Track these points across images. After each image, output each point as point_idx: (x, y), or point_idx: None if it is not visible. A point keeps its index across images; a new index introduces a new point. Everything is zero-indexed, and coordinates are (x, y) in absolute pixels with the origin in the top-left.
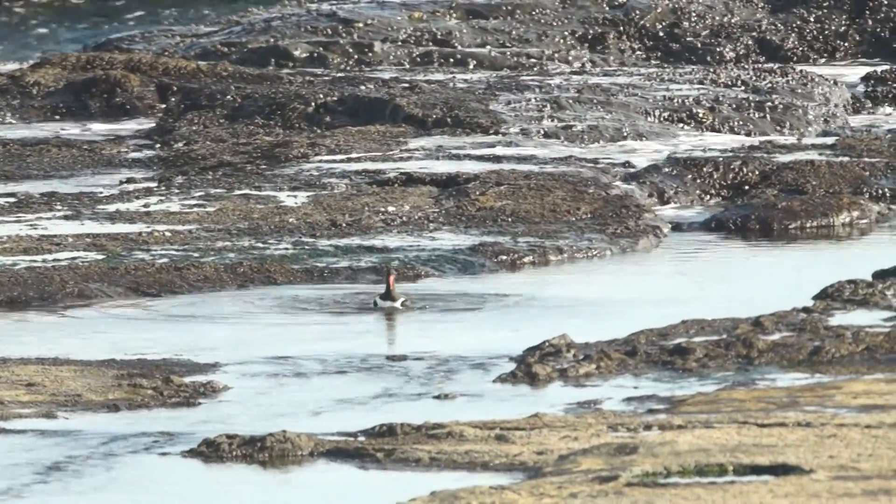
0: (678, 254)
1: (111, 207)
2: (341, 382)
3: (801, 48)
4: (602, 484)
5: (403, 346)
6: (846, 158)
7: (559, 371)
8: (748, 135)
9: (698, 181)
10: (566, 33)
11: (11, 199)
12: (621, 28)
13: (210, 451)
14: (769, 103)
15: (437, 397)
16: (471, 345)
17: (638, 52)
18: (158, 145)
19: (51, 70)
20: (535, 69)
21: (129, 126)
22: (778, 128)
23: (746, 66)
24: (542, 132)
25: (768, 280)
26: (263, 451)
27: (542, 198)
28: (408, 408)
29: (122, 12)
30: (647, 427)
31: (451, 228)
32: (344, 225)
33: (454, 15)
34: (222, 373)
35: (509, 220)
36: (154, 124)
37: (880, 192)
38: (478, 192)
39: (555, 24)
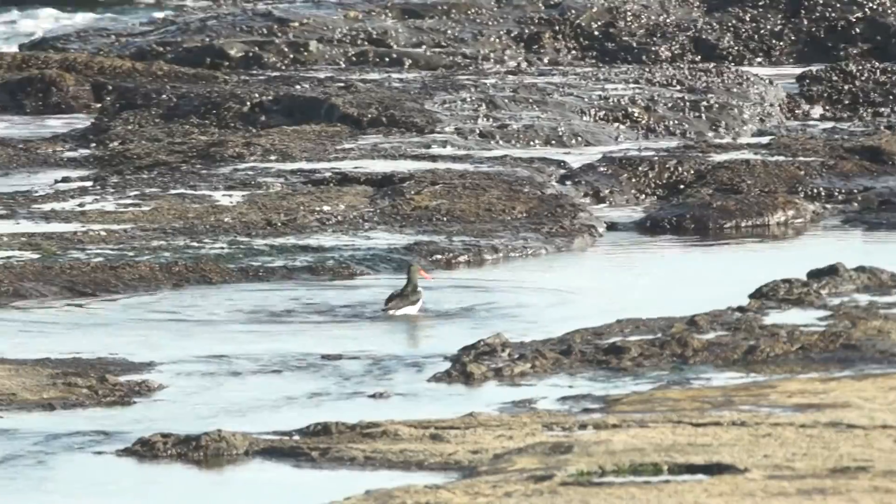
0: (613, 253)
1: (46, 206)
2: (276, 382)
3: (736, 47)
4: (537, 483)
5: (338, 345)
6: (781, 158)
7: (494, 370)
8: (683, 135)
9: (633, 180)
10: (502, 33)
11: None
12: (557, 27)
13: (145, 449)
14: (704, 103)
15: (372, 396)
16: (405, 344)
17: (573, 52)
18: (94, 144)
19: None
20: (471, 69)
21: (64, 125)
22: (713, 127)
23: (682, 66)
24: (477, 131)
25: (703, 279)
26: (198, 449)
27: (478, 197)
28: (343, 407)
29: None
30: (582, 426)
31: (387, 228)
32: (279, 224)
33: (390, 14)
34: (157, 372)
35: (444, 219)
36: (89, 123)
37: (815, 191)
38: (413, 192)
39: (490, 23)
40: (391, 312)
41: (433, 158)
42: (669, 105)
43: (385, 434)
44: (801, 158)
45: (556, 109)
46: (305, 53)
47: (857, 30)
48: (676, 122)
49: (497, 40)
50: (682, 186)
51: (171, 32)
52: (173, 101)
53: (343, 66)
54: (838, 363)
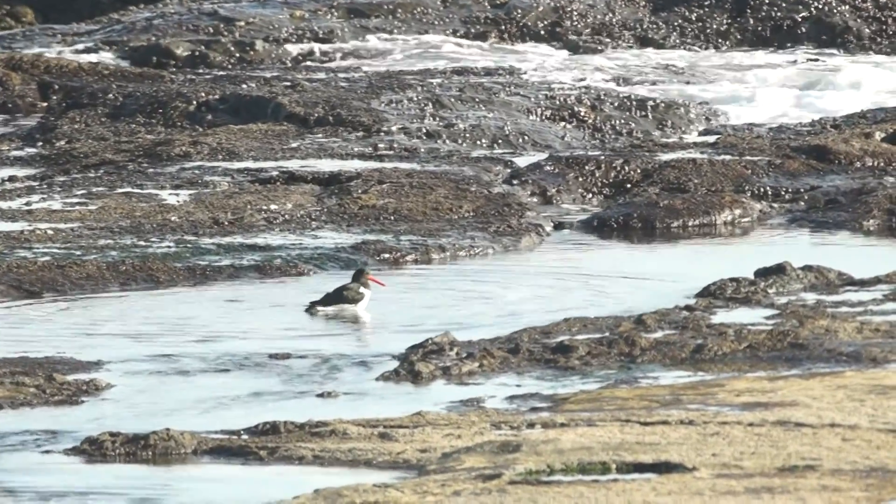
0: (560, 252)
1: None
2: (224, 381)
3: (682, 47)
4: (485, 482)
5: (286, 344)
6: (728, 157)
7: (442, 369)
8: (630, 134)
9: (580, 179)
10: (448, 32)
11: None
12: (503, 27)
13: (93, 449)
14: (651, 102)
15: (321, 395)
16: (353, 342)
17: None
18: (40, 143)
19: None
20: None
21: (10, 124)
22: (660, 126)
23: (628, 65)
24: (423, 131)
25: (651, 278)
26: (147, 448)
27: (425, 196)
28: (291, 406)
29: None
30: (530, 425)
31: (334, 227)
32: (226, 223)
33: (335, 14)
34: (105, 371)
35: (392, 218)
36: (36, 122)
37: (762, 190)
38: (360, 191)
39: (436, 23)
40: (318, 310)
41: (380, 157)
42: (616, 104)
43: (334, 433)
44: (748, 157)
45: (502, 109)
46: (252, 52)
47: (804, 29)
48: (623, 121)
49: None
50: (629, 185)
51: (117, 31)
52: (119, 100)
53: (289, 65)
54: (786, 362)
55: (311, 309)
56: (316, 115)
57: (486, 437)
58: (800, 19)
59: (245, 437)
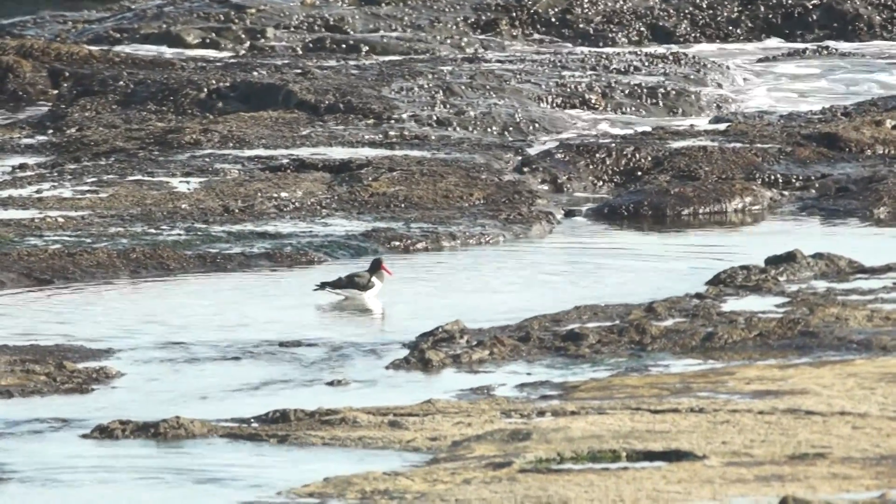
0: (571, 240)
1: (3, 193)
2: (235, 369)
3: (693, 34)
4: (495, 470)
5: (296, 332)
6: (739, 144)
7: (452, 357)
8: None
9: (591, 167)
10: (459, 20)
11: None
12: (513, 14)
13: (103, 436)
14: (661, 89)
15: (331, 383)
16: (364, 331)
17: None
18: (51, 131)
19: None
20: (428, 55)
21: (21, 112)
22: (671, 113)
23: (638, 52)
24: (434, 118)
25: (661, 266)
26: (157, 436)
27: (435, 184)
28: (301, 394)
29: None
30: (541, 413)
31: (344, 214)
32: (237, 211)
33: (346, 1)
34: (115, 359)
35: (402, 205)
36: (46, 110)
37: (773, 177)
38: (371, 178)
39: (447, 10)
40: (327, 290)
41: (391, 145)
42: (626, 92)
43: (344, 421)
44: (759, 145)
45: (513, 96)
46: (262, 40)
47: (814, 17)
48: (634, 108)
49: (454, 27)
50: (639, 173)
51: (128, 19)
52: (130, 87)
53: (300, 52)
54: (796, 350)
55: (320, 287)
56: (327, 102)
57: (497, 426)
58: (810, 6)
59: (255, 424)
